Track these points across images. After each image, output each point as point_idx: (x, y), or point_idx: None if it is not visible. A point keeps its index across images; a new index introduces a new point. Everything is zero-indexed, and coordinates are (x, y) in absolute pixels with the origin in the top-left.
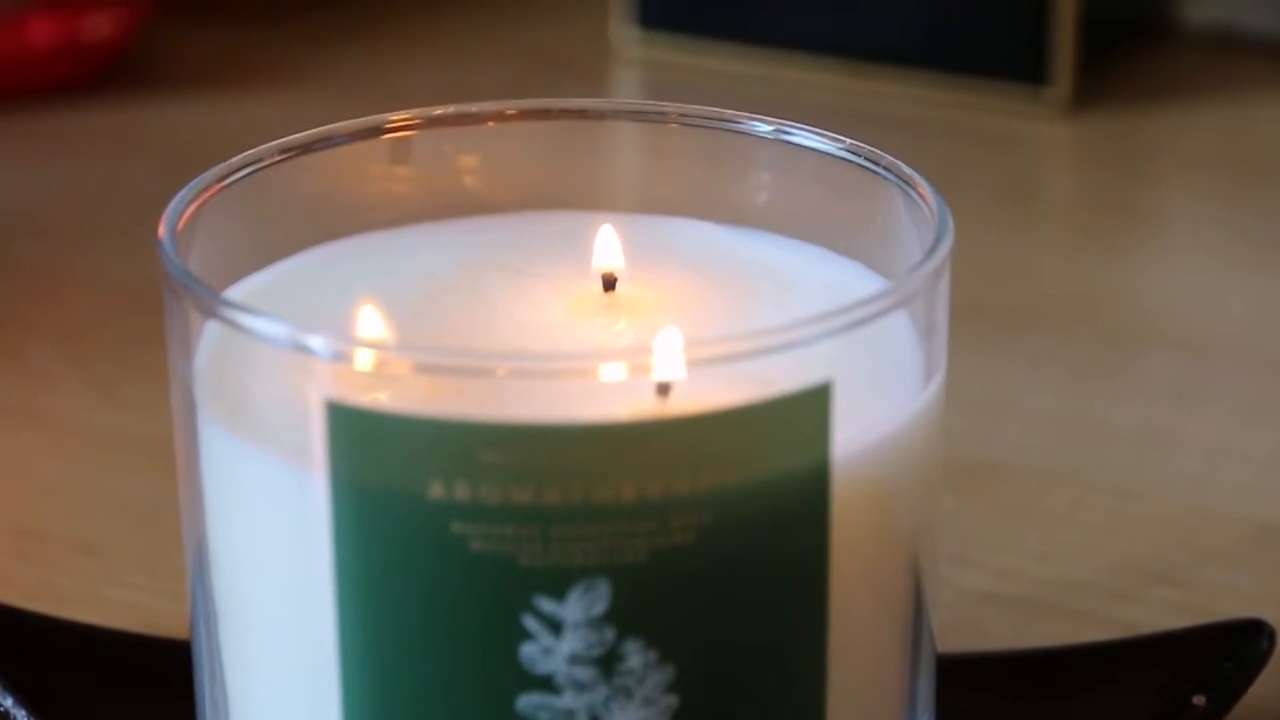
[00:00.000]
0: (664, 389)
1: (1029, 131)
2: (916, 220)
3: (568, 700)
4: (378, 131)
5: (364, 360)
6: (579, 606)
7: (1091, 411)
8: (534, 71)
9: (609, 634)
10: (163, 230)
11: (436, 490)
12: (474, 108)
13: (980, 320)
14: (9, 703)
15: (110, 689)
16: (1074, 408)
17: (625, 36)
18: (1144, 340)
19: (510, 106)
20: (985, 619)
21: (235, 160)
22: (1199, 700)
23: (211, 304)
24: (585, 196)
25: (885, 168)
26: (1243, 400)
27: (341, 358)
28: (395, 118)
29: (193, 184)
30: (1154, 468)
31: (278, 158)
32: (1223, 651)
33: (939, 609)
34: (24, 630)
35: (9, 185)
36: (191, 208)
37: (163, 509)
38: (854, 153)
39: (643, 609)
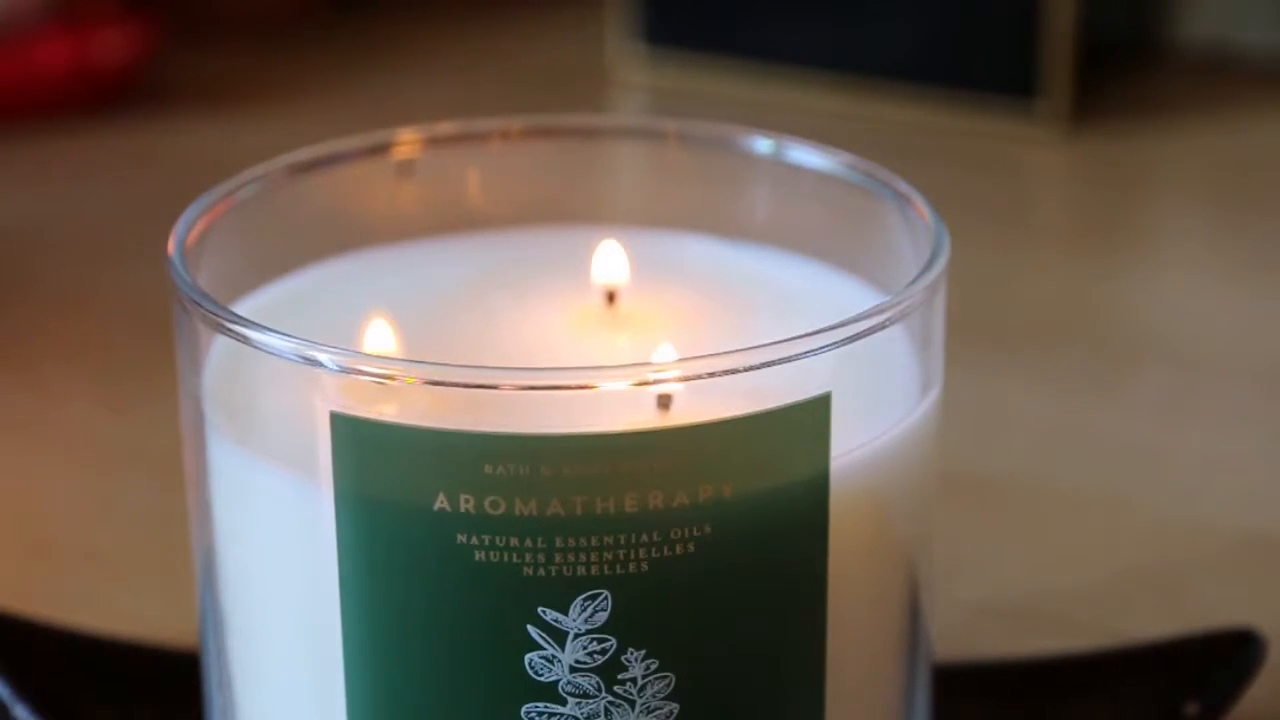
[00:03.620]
0: (664, 401)
1: (1024, 150)
2: (913, 236)
3: (571, 708)
4: (384, 149)
5: (370, 374)
6: (581, 616)
7: (1085, 424)
8: (537, 90)
9: (610, 643)
10: (172, 246)
11: (441, 501)
12: (478, 125)
13: (976, 335)
14: (20, 711)
15: (119, 698)
16: (1067, 421)
17: (628, 54)
18: (1137, 354)
19: (514, 124)
20: (980, 628)
21: (243, 177)
22: (1191, 709)
23: (220, 319)
24: (588, 213)
25: (883, 184)
26: (1233, 413)
27: (347, 372)
28: (401, 135)
29: (201, 201)
30: (1146, 480)
31: (285, 175)
32: (1214, 660)
33: (935, 618)
34: (35, 640)
35: (21, 205)
36: (200, 224)
37: (172, 520)
38: (852, 169)
39: (643, 619)
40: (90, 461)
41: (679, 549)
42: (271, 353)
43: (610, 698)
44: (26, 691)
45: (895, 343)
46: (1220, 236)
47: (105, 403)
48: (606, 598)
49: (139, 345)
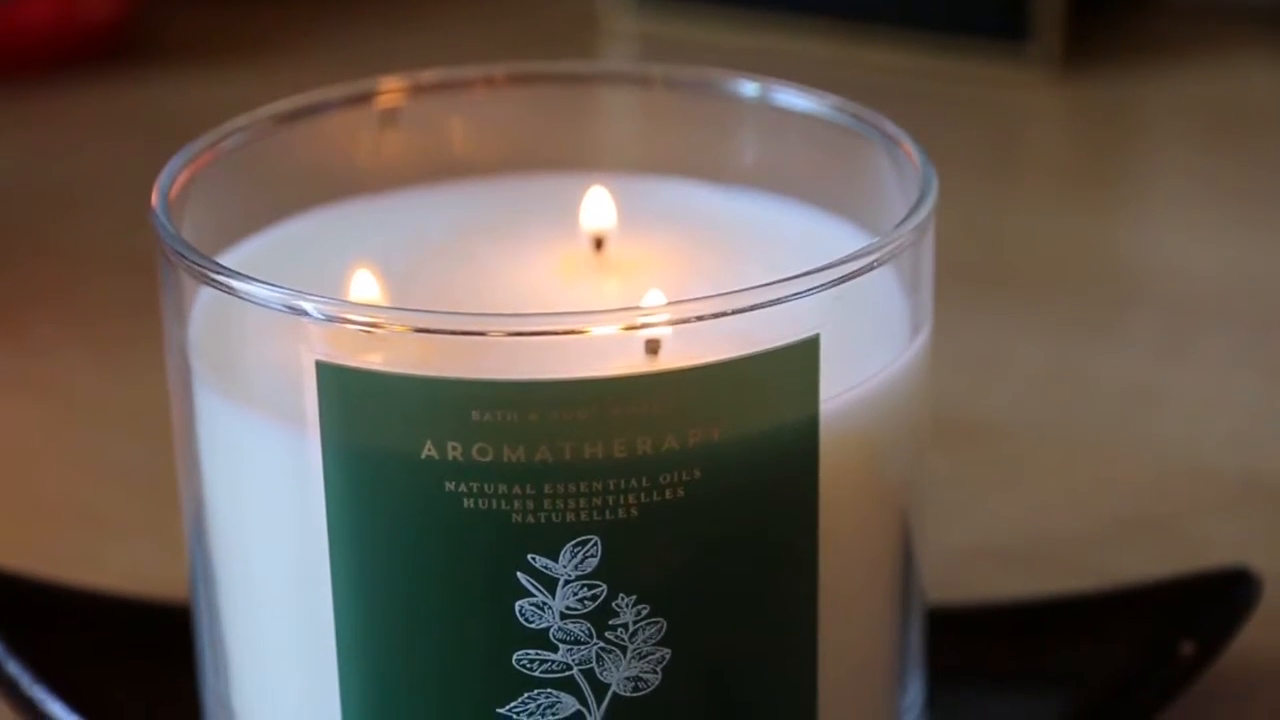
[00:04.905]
0: (653, 347)
1: (1016, 94)
2: (902, 178)
3: (562, 655)
4: (368, 98)
5: (356, 323)
6: (571, 563)
7: (1079, 366)
8: (527, 40)
9: (601, 589)
10: (155, 198)
11: (428, 449)
12: (463, 73)
13: (968, 279)
14: (13, 667)
15: (112, 651)
16: (1061, 364)
17: (618, 2)
18: (1130, 297)
19: (499, 71)
20: (974, 571)
21: (226, 128)
22: (1186, 648)
23: (204, 269)
24: (574, 160)
25: (871, 126)
26: (1229, 353)
27: (333, 321)
28: (385, 84)
29: (184, 152)
30: (1141, 421)
31: (268, 125)
32: (1209, 600)
33: (929, 561)
34: (28, 595)
35: (9, 163)
36: (183, 175)
37: (163, 474)
38: (839, 112)
39: (634, 564)
40: (80, 417)
41: (669, 494)
42: (257, 303)
43: (602, 644)
44: (19, 647)
45: (884, 284)
46: (1213, 179)
47: (96, 359)
48: (596, 544)
49: (130, 300)
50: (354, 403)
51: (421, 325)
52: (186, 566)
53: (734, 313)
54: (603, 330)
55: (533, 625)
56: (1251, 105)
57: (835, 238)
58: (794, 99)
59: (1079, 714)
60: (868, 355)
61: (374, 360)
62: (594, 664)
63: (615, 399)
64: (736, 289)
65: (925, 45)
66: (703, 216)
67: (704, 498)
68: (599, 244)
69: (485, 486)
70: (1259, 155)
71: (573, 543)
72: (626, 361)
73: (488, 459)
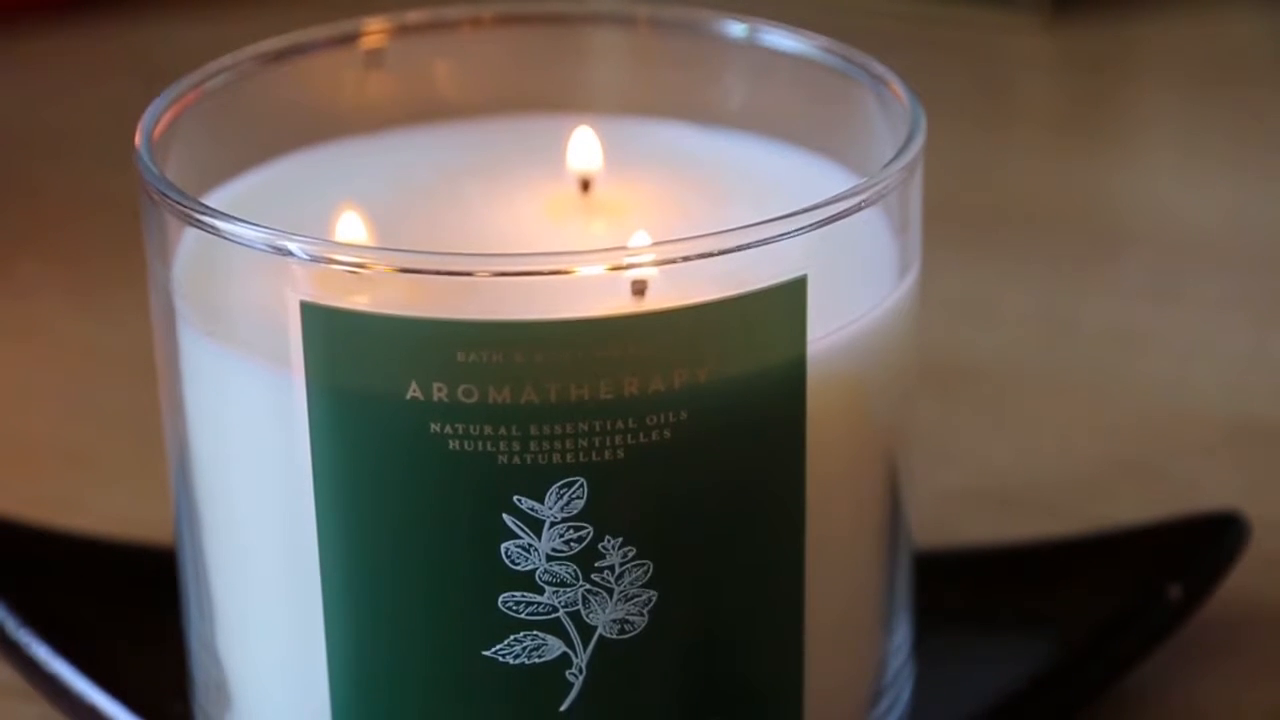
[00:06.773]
0: (640, 287)
1: (1006, 38)
2: (890, 119)
3: (548, 597)
4: (353, 39)
5: (341, 263)
6: (557, 504)
7: (1068, 310)
8: None
9: (587, 531)
10: (138, 139)
11: (414, 390)
12: (448, 13)
13: (958, 223)
14: None
15: (98, 595)
16: (1051, 307)
17: None
18: (1119, 240)
19: (485, 12)
20: (963, 516)
21: (210, 68)
22: (1174, 591)
23: (188, 210)
24: (561, 101)
25: (858, 67)
26: (1218, 298)
27: (318, 261)
28: (370, 25)
29: (168, 92)
30: (1130, 365)
31: (253, 66)
32: (1198, 543)
33: (917, 506)
34: (13, 539)
35: None
36: (167, 116)
37: (147, 416)
38: (827, 52)
39: (620, 506)
40: (66, 361)
41: (655, 435)
42: (241, 243)
43: (588, 586)
44: (5, 591)
45: (872, 225)
46: (1202, 122)
47: (80, 301)
48: (582, 485)
49: (114, 242)
50: (339, 344)
51: (407, 265)
52: (171, 509)
53: (721, 253)
54: (589, 271)
55: (518, 567)
56: (1240, 51)
57: (823, 179)
58: (782, 40)
59: (1067, 657)
60: (855, 296)
61: (359, 301)
62: (580, 606)
63: (601, 340)
64: (723, 230)
65: None
66: (690, 157)
67: (691, 439)
68: (585, 185)
69: (470, 428)
70: (1248, 101)
71: (559, 484)
72: (613, 302)
73: (473, 400)
